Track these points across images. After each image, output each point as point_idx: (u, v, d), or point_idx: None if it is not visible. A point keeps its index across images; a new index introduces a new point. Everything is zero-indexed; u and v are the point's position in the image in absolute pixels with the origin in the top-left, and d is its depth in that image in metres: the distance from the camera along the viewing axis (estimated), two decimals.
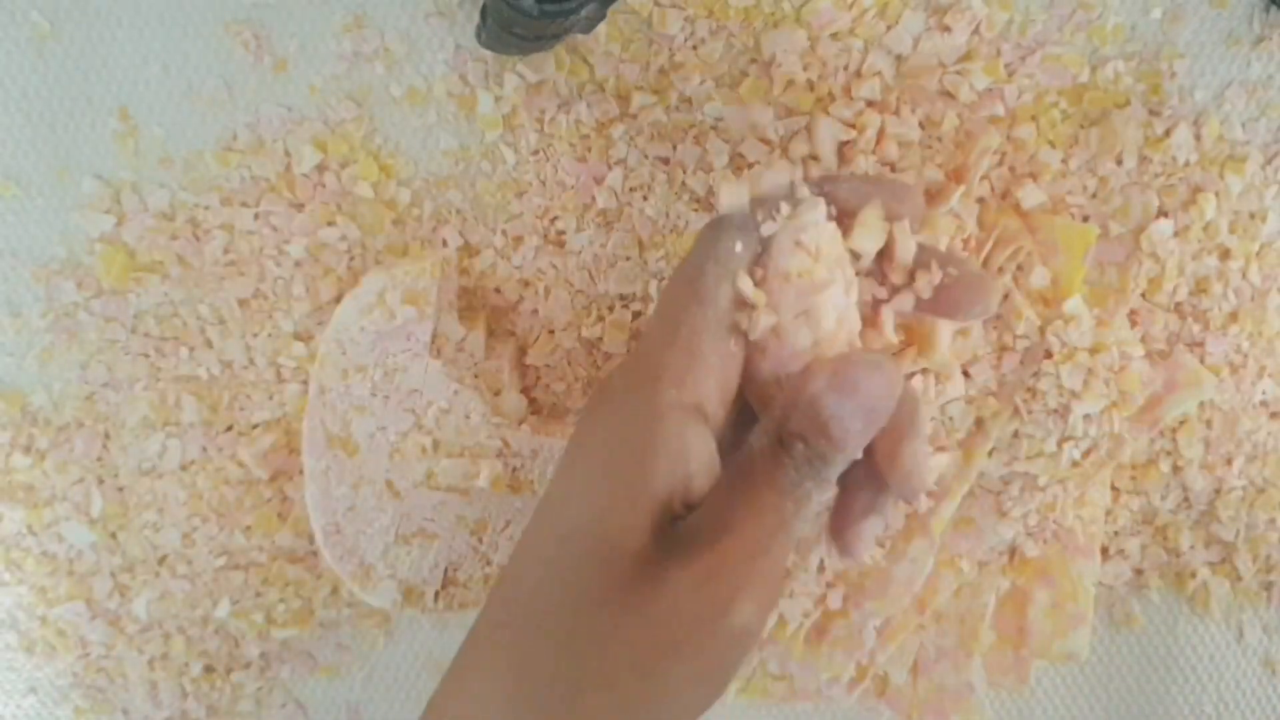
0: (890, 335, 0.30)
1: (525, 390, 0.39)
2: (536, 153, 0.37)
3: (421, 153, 0.38)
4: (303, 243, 0.37)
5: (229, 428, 0.39)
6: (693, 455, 0.27)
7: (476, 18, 0.35)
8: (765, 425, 0.27)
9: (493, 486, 0.36)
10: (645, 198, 0.38)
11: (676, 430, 0.27)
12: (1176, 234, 0.38)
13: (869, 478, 0.28)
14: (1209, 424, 0.39)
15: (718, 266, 0.27)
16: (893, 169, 0.37)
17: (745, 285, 0.27)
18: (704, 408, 0.27)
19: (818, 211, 0.28)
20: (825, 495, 0.27)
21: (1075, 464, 0.38)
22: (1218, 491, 0.40)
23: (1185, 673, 0.41)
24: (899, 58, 0.36)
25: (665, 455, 0.26)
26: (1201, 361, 0.38)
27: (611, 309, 0.39)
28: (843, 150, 0.37)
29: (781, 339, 0.27)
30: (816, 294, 0.27)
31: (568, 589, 0.26)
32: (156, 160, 0.37)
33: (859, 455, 0.27)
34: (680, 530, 0.26)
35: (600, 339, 0.39)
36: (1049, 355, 0.37)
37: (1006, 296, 0.37)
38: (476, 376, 0.38)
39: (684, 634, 0.26)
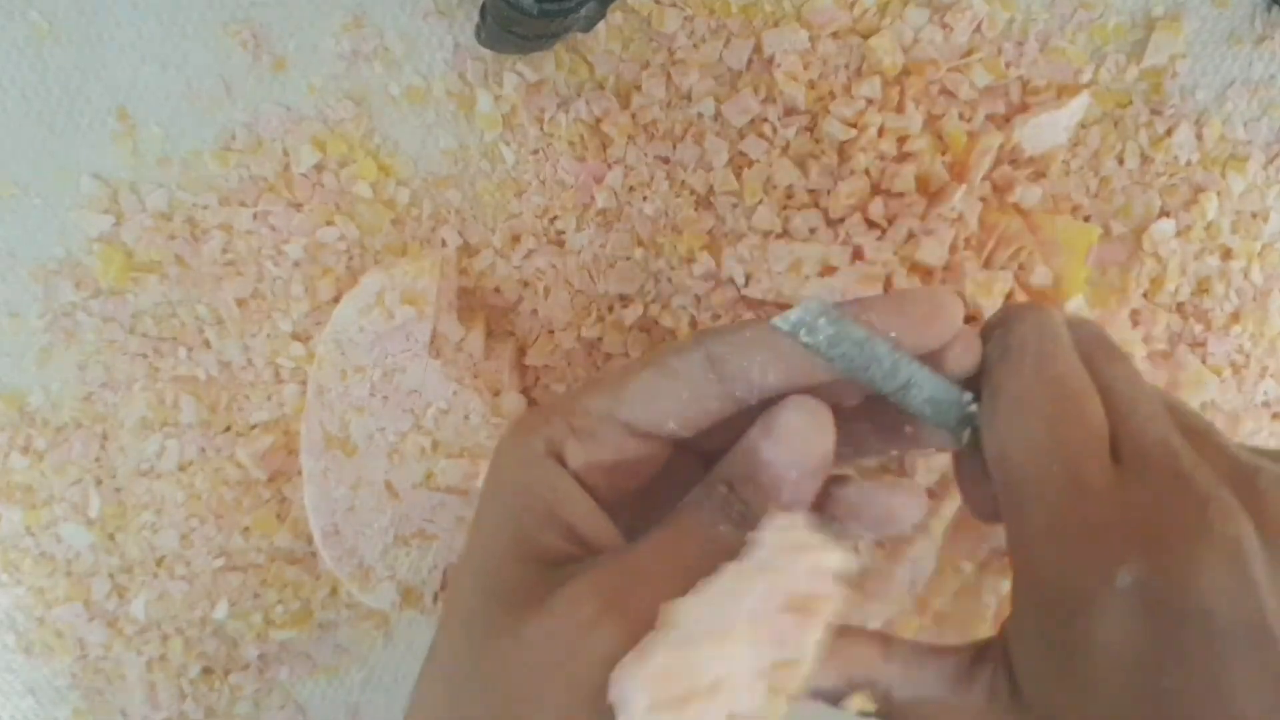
0: None
1: (525, 390, 0.39)
2: (536, 152, 0.37)
3: (420, 152, 0.38)
4: (301, 242, 0.37)
5: (227, 428, 0.39)
6: (560, 498, 0.27)
7: (476, 17, 0.34)
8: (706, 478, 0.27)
9: None
10: (645, 197, 0.37)
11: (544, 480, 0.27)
12: (1178, 234, 0.38)
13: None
14: None
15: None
16: (894, 164, 0.37)
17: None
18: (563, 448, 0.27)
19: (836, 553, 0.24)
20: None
21: None
22: None
23: None
24: (900, 55, 0.36)
25: (531, 505, 0.27)
26: (1203, 362, 0.38)
27: (611, 309, 0.38)
28: (843, 149, 0.37)
29: None
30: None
31: (462, 632, 0.26)
32: (155, 160, 0.37)
33: (798, 507, 0.25)
34: (575, 566, 0.26)
35: (600, 339, 0.39)
36: None
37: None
38: (476, 377, 0.37)
39: (555, 655, 0.24)
